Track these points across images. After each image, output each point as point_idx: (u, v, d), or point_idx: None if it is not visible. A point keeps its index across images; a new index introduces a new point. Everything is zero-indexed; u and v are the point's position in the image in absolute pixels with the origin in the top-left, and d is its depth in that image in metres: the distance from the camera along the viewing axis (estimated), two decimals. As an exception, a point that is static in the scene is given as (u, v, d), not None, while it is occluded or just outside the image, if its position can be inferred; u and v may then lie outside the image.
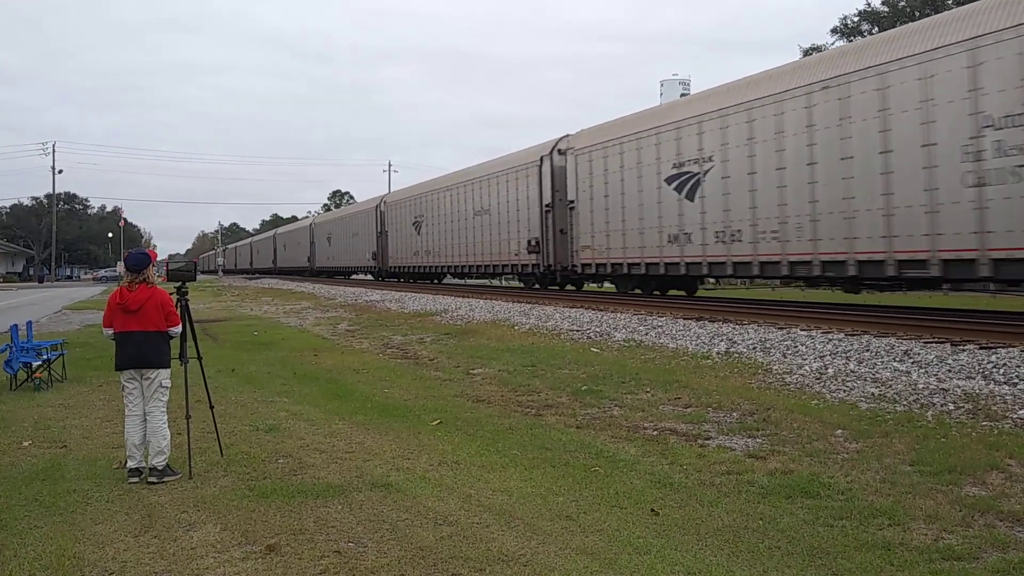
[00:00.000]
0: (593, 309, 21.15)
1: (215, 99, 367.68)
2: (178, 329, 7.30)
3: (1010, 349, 10.98)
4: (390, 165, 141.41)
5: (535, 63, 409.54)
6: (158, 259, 7.80)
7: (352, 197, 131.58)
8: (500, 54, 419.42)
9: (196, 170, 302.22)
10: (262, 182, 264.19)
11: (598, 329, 16.72)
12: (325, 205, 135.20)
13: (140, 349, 7.11)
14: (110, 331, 7.27)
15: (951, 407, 8.49)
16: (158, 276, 7.63)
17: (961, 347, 11.52)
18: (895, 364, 10.80)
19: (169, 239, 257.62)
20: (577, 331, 16.69)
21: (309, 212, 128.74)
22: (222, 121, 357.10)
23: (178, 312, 7.36)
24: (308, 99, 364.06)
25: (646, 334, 15.59)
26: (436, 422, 9.01)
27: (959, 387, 9.22)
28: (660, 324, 16.79)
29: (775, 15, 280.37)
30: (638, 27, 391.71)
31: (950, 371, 10.16)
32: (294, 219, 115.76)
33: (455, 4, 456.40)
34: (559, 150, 27.03)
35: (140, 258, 7.37)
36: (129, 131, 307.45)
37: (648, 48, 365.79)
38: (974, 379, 9.67)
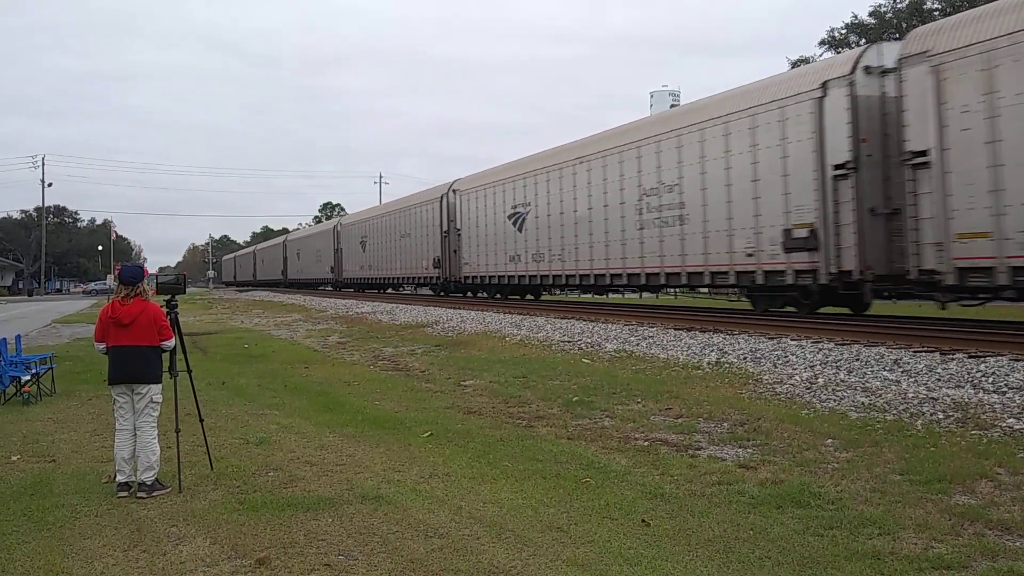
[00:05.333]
0: (584, 320, 21.17)
1: (165, 106, 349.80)
2: (171, 343, 7.26)
3: (999, 358, 11.03)
4: (380, 176, 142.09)
5: (490, 67, 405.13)
6: (148, 274, 7.77)
7: (343, 209, 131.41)
8: (453, 57, 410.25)
9: (165, 182, 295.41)
10: (235, 193, 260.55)
11: (589, 340, 16.73)
12: (316, 217, 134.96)
13: (132, 364, 7.06)
14: (102, 346, 7.23)
15: (941, 416, 8.52)
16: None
17: (950, 356, 11.57)
18: (885, 373, 10.83)
19: (158, 252, 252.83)
20: (568, 342, 16.70)
21: (300, 224, 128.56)
22: (176, 130, 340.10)
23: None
24: (260, 106, 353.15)
25: (637, 344, 15.61)
26: (427, 434, 9.00)
27: (948, 396, 9.25)
28: (651, 334, 16.81)
29: (728, 17, 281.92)
30: (591, 29, 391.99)
31: (939, 380, 10.19)
32: (285, 231, 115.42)
33: (399, 3, 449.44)
34: (453, 190, 36.60)
35: (135, 271, 7.35)
36: (83, 141, 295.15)
37: (604, 50, 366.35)
38: (963, 388, 9.70)
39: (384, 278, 48.82)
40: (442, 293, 40.10)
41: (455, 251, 36.70)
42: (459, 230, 36.10)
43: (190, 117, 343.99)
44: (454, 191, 37.38)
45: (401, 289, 49.75)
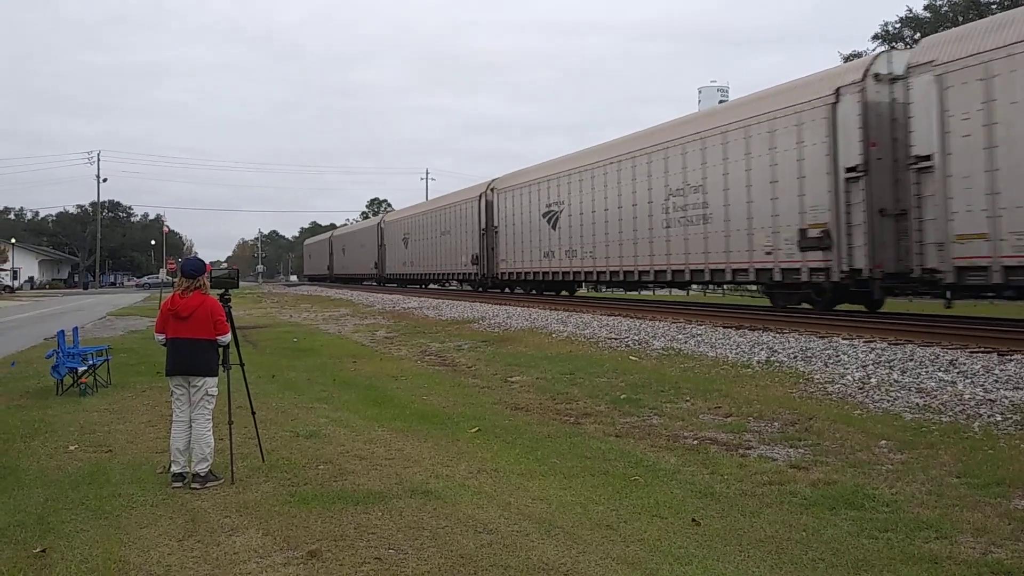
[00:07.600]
0: (631, 317, 21.07)
1: (196, 104, 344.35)
2: (227, 338, 7.35)
3: (1059, 359, 10.73)
4: (427, 173, 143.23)
5: (515, 60, 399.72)
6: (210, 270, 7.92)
7: (390, 205, 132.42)
8: (480, 51, 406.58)
9: (213, 177, 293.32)
10: (279, 189, 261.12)
11: (636, 337, 16.64)
12: (363, 213, 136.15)
13: (189, 356, 7.19)
14: (162, 337, 7.37)
15: (998, 418, 8.33)
16: None
17: (1008, 357, 11.30)
18: (940, 374, 10.61)
19: (208, 246, 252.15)
20: (615, 339, 16.62)
21: (347, 220, 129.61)
22: (212, 127, 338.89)
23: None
24: (289, 102, 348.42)
25: (685, 342, 15.49)
26: (475, 429, 9.02)
27: (1006, 397, 9.04)
28: (699, 332, 16.67)
29: (771, 7, 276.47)
30: (616, 19, 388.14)
31: (997, 381, 9.96)
32: (332, 227, 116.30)
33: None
34: (491, 188, 37.94)
35: (197, 264, 7.49)
36: (120, 136, 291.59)
37: (636, 44, 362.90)
38: (1022, 389, 9.47)
39: (425, 274, 49.82)
40: (480, 289, 41.02)
41: (492, 248, 37.57)
42: (496, 228, 36.99)
43: (223, 113, 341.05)
44: (492, 189, 38.04)
45: (447, 285, 50.79)
